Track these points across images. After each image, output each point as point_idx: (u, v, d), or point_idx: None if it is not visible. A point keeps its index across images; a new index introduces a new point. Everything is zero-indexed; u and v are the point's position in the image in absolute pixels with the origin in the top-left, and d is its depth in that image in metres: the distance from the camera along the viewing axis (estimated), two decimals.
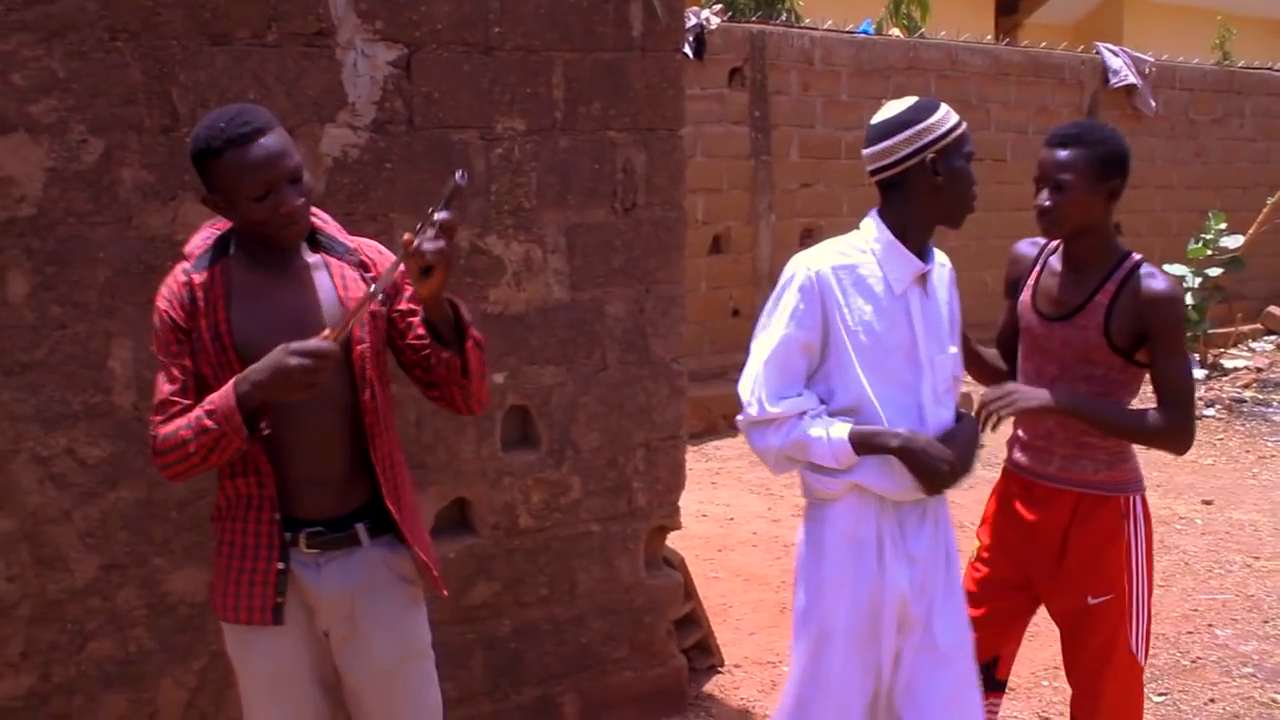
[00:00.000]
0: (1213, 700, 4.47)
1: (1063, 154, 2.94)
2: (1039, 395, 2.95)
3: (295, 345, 2.28)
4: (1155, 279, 2.93)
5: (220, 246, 2.51)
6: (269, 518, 2.50)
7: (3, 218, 3.08)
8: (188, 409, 2.39)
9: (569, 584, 3.95)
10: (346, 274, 2.56)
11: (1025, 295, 3.16)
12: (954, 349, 2.88)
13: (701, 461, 7.86)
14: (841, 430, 2.70)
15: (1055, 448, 3.09)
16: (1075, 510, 3.06)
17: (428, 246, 2.28)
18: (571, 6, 3.76)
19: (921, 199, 2.72)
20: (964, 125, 2.75)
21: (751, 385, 2.76)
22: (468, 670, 3.79)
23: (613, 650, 4.07)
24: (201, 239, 2.55)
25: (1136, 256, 3.01)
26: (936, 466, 2.67)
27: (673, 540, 4.42)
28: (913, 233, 2.75)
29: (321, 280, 2.53)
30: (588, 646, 4.01)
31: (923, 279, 2.78)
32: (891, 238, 2.74)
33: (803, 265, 2.76)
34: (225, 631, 2.61)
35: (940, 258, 2.91)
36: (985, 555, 3.26)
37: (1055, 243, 3.13)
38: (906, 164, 2.69)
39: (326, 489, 2.52)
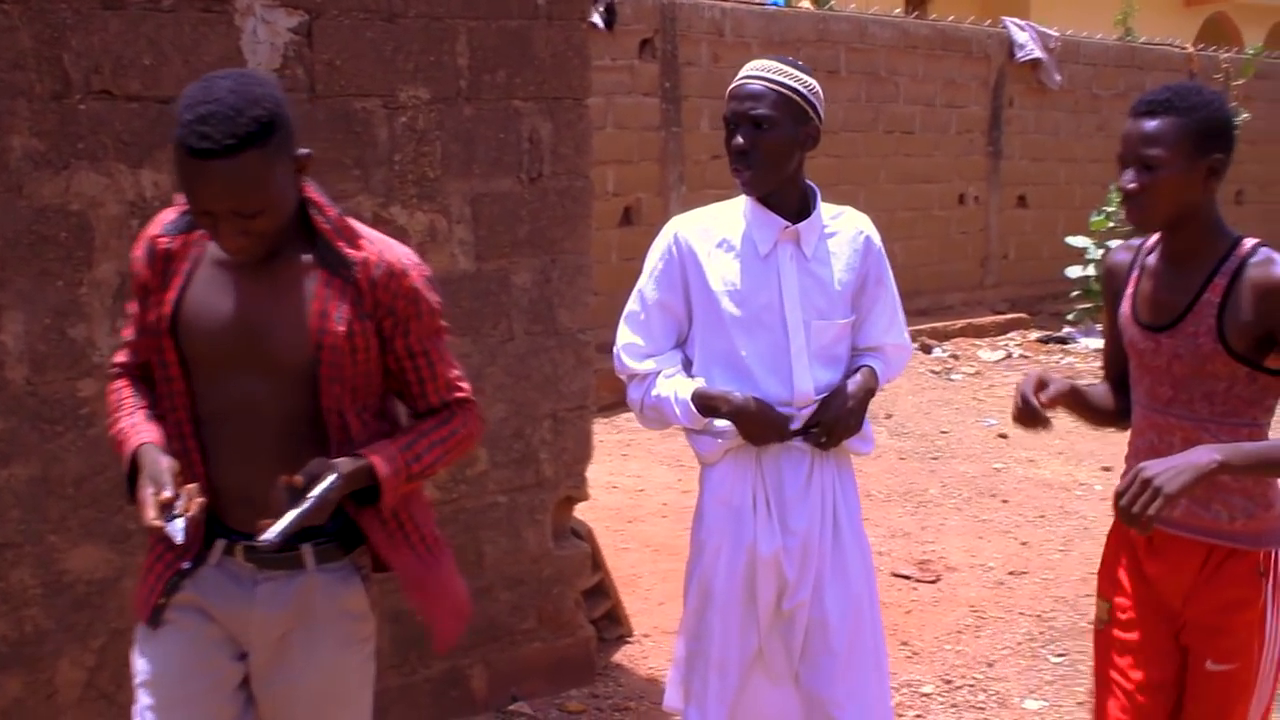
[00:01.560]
0: None
1: (1151, 124, 2.43)
2: (1184, 465, 2.24)
3: (141, 500, 2.08)
4: (1275, 264, 2.44)
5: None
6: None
7: None
8: (135, 376, 2.34)
9: (476, 556, 3.94)
10: (331, 297, 2.21)
11: (1125, 306, 2.66)
12: (846, 317, 2.86)
13: (612, 434, 7.87)
14: (687, 390, 2.78)
15: None
16: (1203, 565, 2.55)
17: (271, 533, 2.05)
18: None
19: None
20: (733, 85, 2.78)
21: (617, 341, 2.89)
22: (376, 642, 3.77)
23: (521, 621, 4.07)
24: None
25: (1251, 241, 2.51)
26: (764, 432, 2.73)
27: (582, 511, 4.43)
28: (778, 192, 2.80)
29: (294, 291, 2.21)
30: (496, 618, 4.01)
31: (796, 238, 2.80)
32: (751, 201, 2.81)
33: (670, 227, 2.87)
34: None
35: (854, 224, 2.92)
36: (1126, 617, 2.68)
37: (1152, 240, 2.65)
38: None
39: (253, 507, 2.15)
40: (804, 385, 2.78)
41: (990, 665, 4.55)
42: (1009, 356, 10.68)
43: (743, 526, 2.82)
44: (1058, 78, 12.53)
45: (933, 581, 5.43)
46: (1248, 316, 2.44)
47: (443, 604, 2.48)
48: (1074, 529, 6.20)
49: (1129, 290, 2.66)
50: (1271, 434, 2.53)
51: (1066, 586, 5.38)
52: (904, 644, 4.72)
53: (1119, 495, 2.25)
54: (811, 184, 2.89)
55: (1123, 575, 2.68)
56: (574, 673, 4.21)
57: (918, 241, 11.55)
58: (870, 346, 2.96)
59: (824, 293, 2.81)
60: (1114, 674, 2.67)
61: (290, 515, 2.06)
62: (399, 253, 2.31)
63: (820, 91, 2.80)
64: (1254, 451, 2.32)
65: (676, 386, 2.81)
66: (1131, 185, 2.46)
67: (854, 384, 2.84)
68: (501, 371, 3.92)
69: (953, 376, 9.83)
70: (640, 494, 6.79)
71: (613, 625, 4.61)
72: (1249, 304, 2.43)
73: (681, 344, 2.91)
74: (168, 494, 2.08)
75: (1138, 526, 2.24)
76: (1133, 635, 2.64)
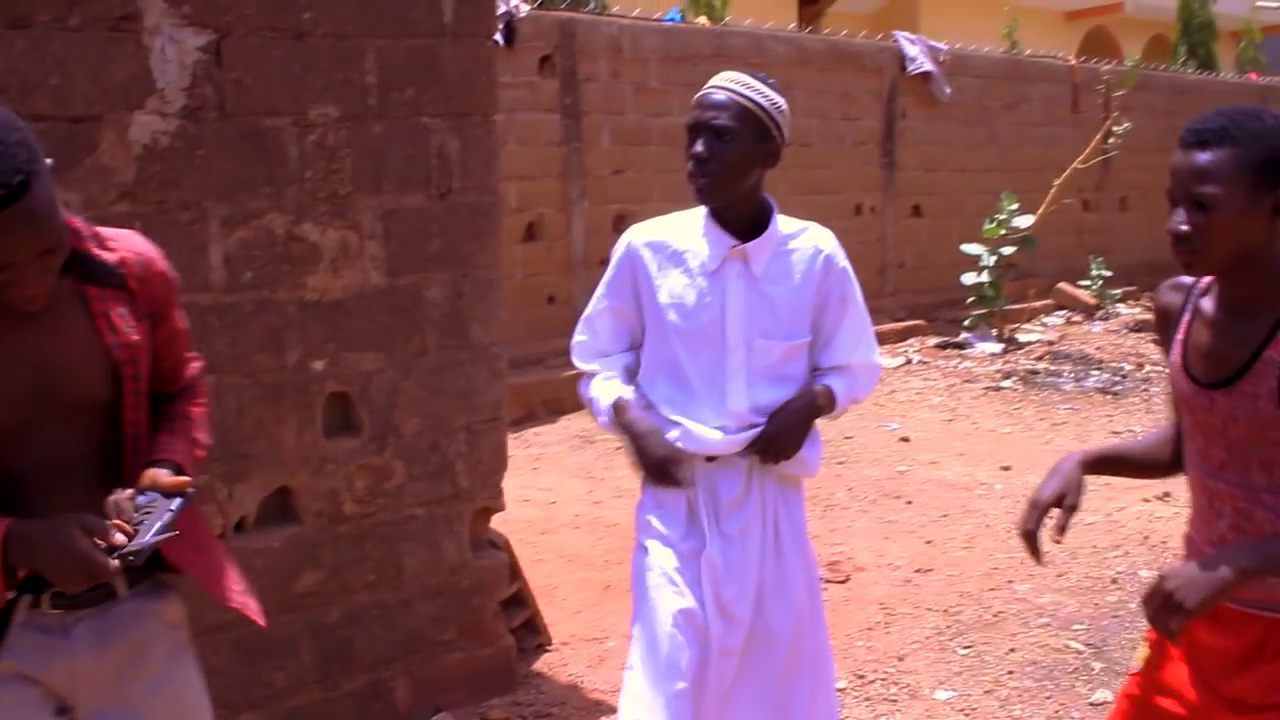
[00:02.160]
0: (1013, 650, 4.74)
1: (1204, 157, 2.12)
2: (1205, 578, 2.05)
3: (86, 553, 1.89)
4: None
5: None
6: None
7: None
8: None
9: (396, 568, 3.97)
10: (112, 308, 2.09)
11: (1175, 354, 2.34)
12: (798, 338, 2.83)
13: (522, 448, 7.91)
14: (610, 397, 2.85)
15: None
16: (1264, 642, 2.25)
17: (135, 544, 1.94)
18: None
19: None
20: (700, 95, 2.76)
21: (574, 338, 2.95)
22: (297, 659, 3.78)
23: (441, 632, 4.11)
24: None
25: None
26: (651, 474, 2.77)
27: (496, 524, 4.47)
28: (732, 207, 2.79)
29: (76, 322, 2.05)
30: (417, 630, 4.04)
31: (745, 257, 2.78)
32: (708, 214, 2.80)
33: (625, 237, 2.90)
34: None
35: (813, 241, 2.87)
36: (1170, 682, 2.40)
37: (1206, 280, 2.32)
38: None
39: None
40: (738, 404, 2.78)
41: (900, 659, 4.68)
42: (908, 362, 10.92)
43: (676, 529, 2.84)
44: (947, 90, 12.84)
45: (842, 582, 5.56)
46: None
47: (234, 589, 2.32)
48: (976, 527, 6.38)
49: (1179, 336, 2.34)
50: None
51: (971, 582, 5.53)
52: None
53: (1145, 602, 2.09)
54: (770, 200, 2.86)
55: (1179, 651, 2.36)
56: (496, 682, 4.25)
57: None
58: (835, 366, 2.92)
59: (772, 312, 2.79)
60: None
61: (156, 524, 1.97)
62: (139, 241, 2.19)
63: (787, 111, 2.77)
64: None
65: (604, 391, 2.88)
66: (1183, 227, 2.13)
67: (799, 402, 2.82)
68: (416, 385, 3.95)
69: None
70: (552, 506, 6.84)
71: (531, 634, 4.66)
72: None
73: (636, 347, 2.96)
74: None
75: (1166, 636, 2.07)
76: (1174, 706, 2.37)
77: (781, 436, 2.78)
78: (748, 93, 2.70)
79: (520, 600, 4.59)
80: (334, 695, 3.87)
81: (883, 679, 4.50)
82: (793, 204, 11.99)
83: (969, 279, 11.59)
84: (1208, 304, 2.29)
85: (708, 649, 2.81)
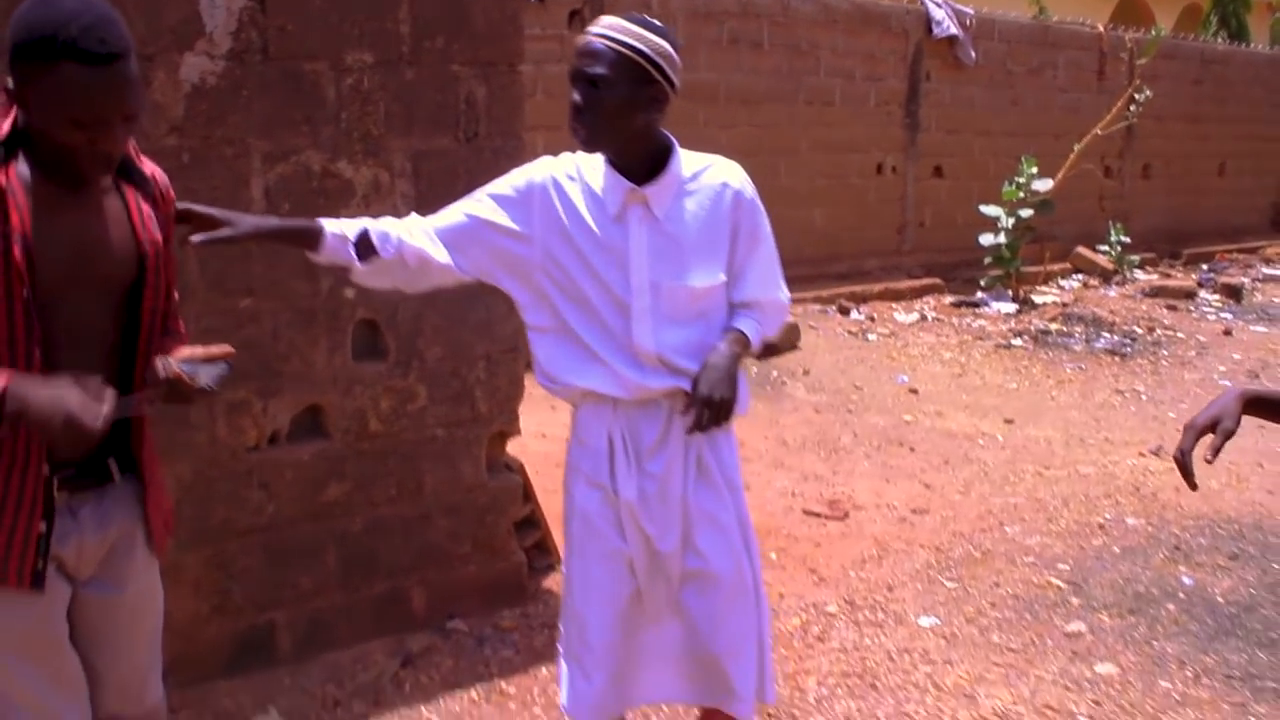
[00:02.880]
0: (997, 585, 5.02)
1: None
2: None
3: (79, 407, 2.06)
4: None
5: (9, 143, 2.17)
6: (36, 471, 2.23)
7: None
8: None
9: (416, 484, 4.27)
10: (144, 208, 2.35)
11: None
12: (709, 279, 2.76)
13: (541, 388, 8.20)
14: (353, 230, 2.79)
15: None
16: None
17: (203, 380, 2.26)
18: None
19: None
20: (579, 43, 2.68)
21: None
22: (322, 564, 4.09)
23: (458, 546, 4.41)
24: None
25: None
26: None
27: (514, 455, 4.76)
28: (622, 153, 2.74)
29: (115, 208, 2.30)
30: (434, 542, 4.34)
31: (645, 201, 2.73)
32: (605, 161, 2.75)
33: (546, 167, 2.80)
34: None
35: (718, 176, 2.80)
36: None
37: None
38: None
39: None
40: (646, 347, 2.72)
41: (890, 589, 4.96)
42: (923, 319, 11.14)
43: (601, 470, 2.79)
44: (973, 54, 12.98)
45: (841, 518, 5.84)
46: None
47: (165, 511, 2.55)
48: (974, 474, 6.64)
49: None
50: None
51: (964, 523, 5.81)
52: (812, 571, 5.13)
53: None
54: (669, 139, 2.78)
55: None
56: (507, 594, 4.55)
57: (837, 209, 11.96)
58: (744, 302, 2.84)
59: (675, 254, 2.73)
60: None
61: (216, 373, 2.29)
62: (160, 171, 2.47)
63: (672, 54, 2.67)
64: None
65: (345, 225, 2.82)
66: None
67: (719, 360, 2.71)
68: (439, 315, 4.23)
69: (869, 337, 10.26)
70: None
71: (542, 554, 4.95)
72: None
73: (465, 245, 2.82)
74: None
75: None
76: None
77: (715, 403, 2.66)
78: (625, 39, 2.62)
79: (533, 522, 4.88)
80: (356, 599, 4.19)
81: (871, 606, 4.78)
82: (815, 161, 12.18)
83: (987, 240, 11.79)
84: None
85: (635, 586, 2.83)
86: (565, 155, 2.82)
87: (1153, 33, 14.63)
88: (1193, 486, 2.45)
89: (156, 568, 2.56)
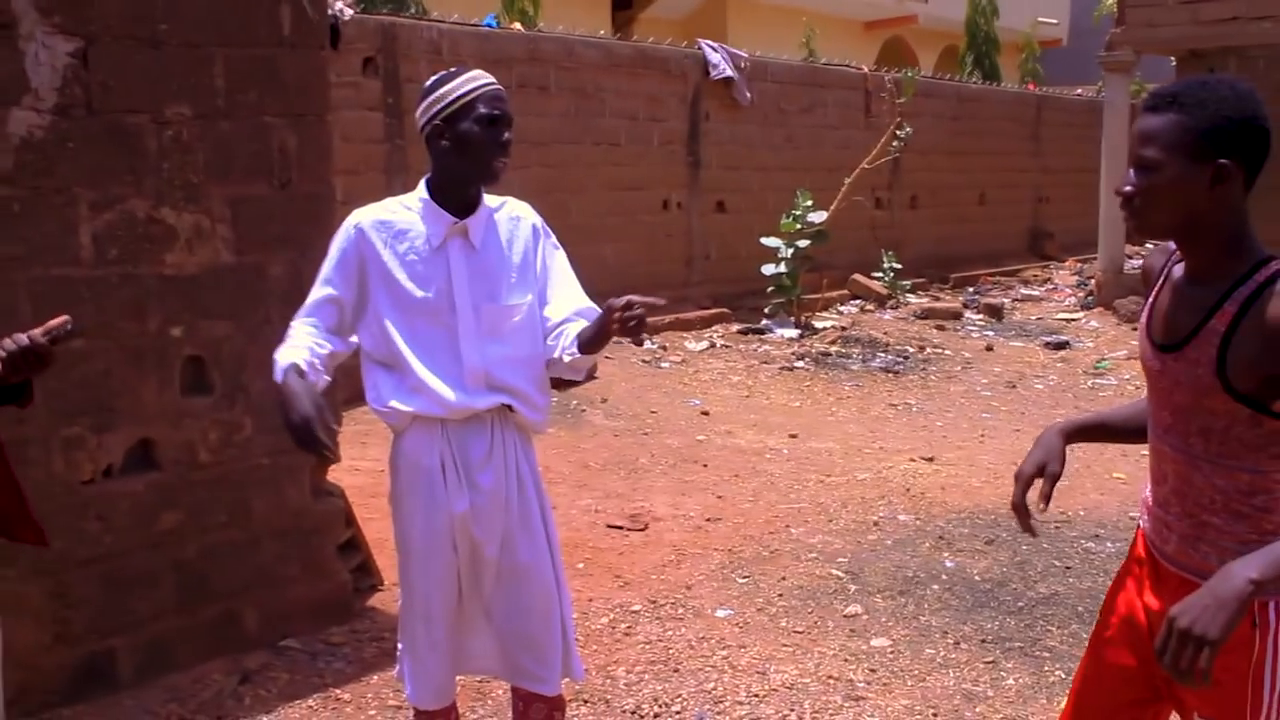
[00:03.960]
0: (784, 579, 5.53)
1: (1151, 121, 2.16)
2: (1218, 603, 1.90)
3: None
4: None
5: None
6: None
7: None
8: None
9: (245, 510, 4.53)
10: None
11: (1143, 315, 2.39)
12: (520, 298, 3.09)
13: (351, 425, 8.43)
14: (285, 359, 2.99)
15: (1173, 521, 2.34)
16: None
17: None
18: (229, 6, 4.34)
19: (441, 159, 3.04)
20: (480, 90, 2.99)
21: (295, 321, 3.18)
22: (159, 590, 4.31)
23: (286, 568, 4.68)
24: None
25: (1277, 264, 2.16)
26: (287, 420, 2.91)
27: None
28: (447, 189, 3.06)
29: None
30: (265, 565, 4.60)
31: (465, 232, 3.06)
32: (427, 195, 3.06)
33: (351, 219, 3.10)
34: None
35: (514, 211, 3.16)
36: (1108, 633, 2.49)
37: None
38: (425, 129, 3.03)
39: None
40: (473, 363, 3.04)
41: (689, 588, 5.42)
42: (712, 346, 11.75)
43: (435, 487, 3.07)
44: (748, 94, 13.73)
45: (642, 529, 6.28)
46: (1254, 353, 2.10)
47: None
48: (762, 484, 7.19)
49: (1150, 299, 2.37)
50: None
51: (754, 528, 6.32)
52: (617, 576, 5.55)
53: (1160, 654, 1.94)
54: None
55: (1121, 601, 2.48)
56: (334, 612, 4.83)
57: (626, 244, 12.49)
58: (576, 311, 3.13)
59: (491, 279, 3.07)
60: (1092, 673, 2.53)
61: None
62: None
63: (424, 96, 3.04)
64: None
65: (283, 354, 3.04)
66: (1127, 188, 2.20)
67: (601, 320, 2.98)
68: (261, 350, 4.46)
69: (662, 365, 10.79)
70: (380, 474, 7.30)
71: (365, 575, 5.24)
72: (1257, 340, 2.10)
73: (340, 326, 3.13)
74: None
75: (1192, 682, 1.91)
76: (1124, 658, 2.44)
77: (628, 319, 2.89)
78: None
79: (355, 545, 5.17)
80: (192, 623, 4.41)
81: (672, 603, 5.23)
82: (604, 200, 12.70)
83: (768, 269, 12.52)
84: (1178, 270, 2.30)
85: (459, 588, 3.17)
86: (367, 206, 3.12)
87: (908, 74, 15.65)
88: (1032, 532, 2.57)
89: None
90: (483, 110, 2.98)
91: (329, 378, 3.10)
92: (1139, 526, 2.50)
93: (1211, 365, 2.15)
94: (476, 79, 3.03)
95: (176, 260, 4.28)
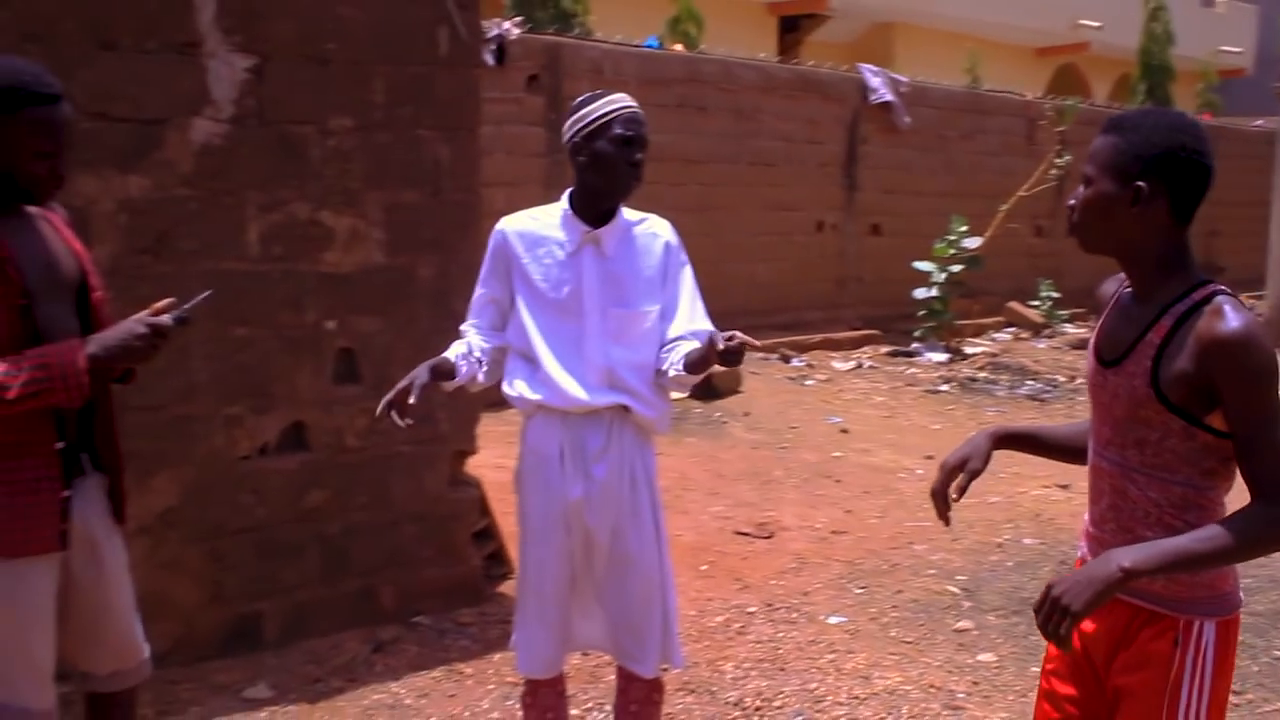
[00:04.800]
0: (900, 591, 5.66)
1: (1097, 140, 2.32)
2: (1088, 580, 2.13)
3: (148, 319, 2.60)
4: (1221, 316, 2.20)
5: None
6: (49, 448, 2.70)
7: None
8: None
9: (386, 494, 4.87)
10: (61, 226, 2.84)
11: (1093, 337, 2.51)
12: (645, 308, 3.30)
13: (500, 425, 8.78)
14: (454, 349, 3.41)
15: (1109, 538, 2.42)
16: (1128, 625, 2.38)
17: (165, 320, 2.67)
18: (391, 28, 4.70)
19: (580, 174, 3.27)
20: (617, 112, 3.21)
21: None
22: (304, 561, 4.68)
23: (422, 550, 5.01)
24: None
25: (1212, 288, 2.28)
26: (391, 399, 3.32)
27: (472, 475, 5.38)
28: (584, 201, 3.29)
29: (47, 226, 2.78)
30: (402, 546, 4.94)
31: (597, 241, 3.29)
32: (567, 206, 3.32)
33: (499, 226, 3.39)
34: None
35: (652, 227, 3.39)
36: (1049, 665, 2.59)
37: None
38: (568, 145, 3.27)
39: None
40: (596, 360, 3.27)
41: (805, 595, 5.59)
42: (859, 366, 11.85)
43: (552, 473, 3.31)
44: (907, 119, 13.81)
45: (767, 538, 6.47)
46: (1185, 366, 2.23)
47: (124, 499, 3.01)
48: (892, 501, 7.31)
49: (1100, 322, 2.50)
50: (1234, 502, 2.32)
51: (878, 543, 6.45)
52: (738, 579, 5.75)
53: (1036, 613, 2.17)
54: None
55: None
56: (465, 595, 5.15)
57: (779, 264, 12.69)
58: (697, 329, 3.32)
59: (620, 285, 3.30)
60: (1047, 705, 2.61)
61: (191, 303, 2.74)
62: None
63: (571, 113, 3.28)
64: (1167, 551, 2.16)
65: (455, 348, 3.46)
66: (1071, 200, 2.37)
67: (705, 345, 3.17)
68: (407, 346, 4.85)
69: (806, 382, 10.95)
70: None
71: (497, 564, 5.54)
72: (1188, 353, 2.23)
73: (501, 322, 3.44)
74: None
75: (1058, 644, 2.15)
76: (1067, 689, 2.53)
77: (729, 351, 3.03)
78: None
79: (489, 534, 5.48)
80: (333, 593, 4.77)
81: (787, 607, 5.41)
82: (758, 219, 12.99)
83: (920, 293, 12.56)
84: (1127, 293, 2.43)
85: (572, 570, 3.38)
86: (513, 215, 3.40)
87: (1069, 102, 15.48)
88: (945, 521, 2.68)
89: (123, 545, 3.01)
90: (618, 131, 3.19)
91: (488, 366, 3.43)
92: (1079, 557, 2.61)
93: (1146, 376, 2.28)
94: (616, 101, 3.25)
95: (333, 259, 4.65)
